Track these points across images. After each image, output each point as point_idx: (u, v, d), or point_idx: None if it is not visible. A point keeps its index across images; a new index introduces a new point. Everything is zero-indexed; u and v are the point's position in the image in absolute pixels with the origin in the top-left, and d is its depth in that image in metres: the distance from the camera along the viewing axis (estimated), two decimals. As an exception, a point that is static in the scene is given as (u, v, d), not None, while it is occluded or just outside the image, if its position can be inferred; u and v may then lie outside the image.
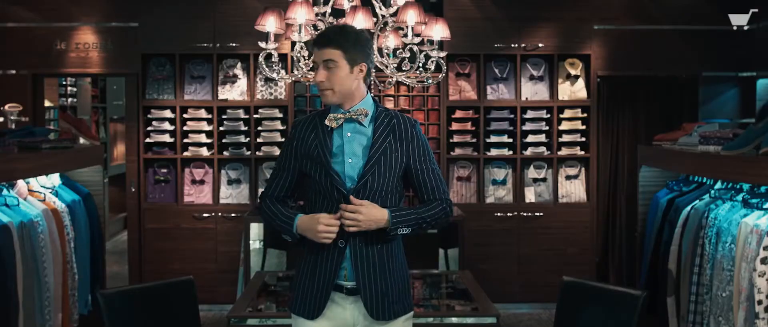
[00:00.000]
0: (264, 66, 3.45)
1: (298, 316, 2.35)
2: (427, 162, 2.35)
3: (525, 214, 5.62)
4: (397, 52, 3.61)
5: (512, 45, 5.61)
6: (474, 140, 5.66)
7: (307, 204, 2.38)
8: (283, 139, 5.60)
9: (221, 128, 5.62)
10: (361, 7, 3.59)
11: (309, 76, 3.58)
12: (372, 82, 3.63)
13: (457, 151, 5.66)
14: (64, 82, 7.52)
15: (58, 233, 3.58)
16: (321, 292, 2.29)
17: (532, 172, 5.68)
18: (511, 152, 5.65)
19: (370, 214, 2.21)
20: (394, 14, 3.59)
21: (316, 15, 3.48)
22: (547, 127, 5.66)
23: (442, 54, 3.67)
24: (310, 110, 5.64)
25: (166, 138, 5.61)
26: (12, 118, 4.07)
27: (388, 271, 2.31)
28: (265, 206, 2.37)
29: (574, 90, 5.67)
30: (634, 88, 5.96)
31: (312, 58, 2.30)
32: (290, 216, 2.30)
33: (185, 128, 5.61)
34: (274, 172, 2.40)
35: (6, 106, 4.10)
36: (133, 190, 5.62)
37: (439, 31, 3.58)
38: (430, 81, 3.76)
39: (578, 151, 5.64)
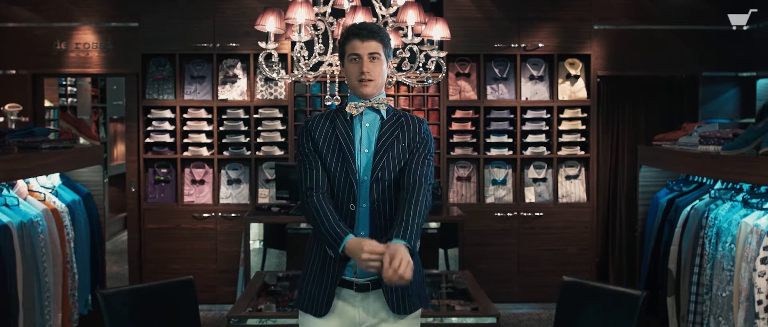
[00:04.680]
0: (264, 66, 3.45)
1: (305, 313, 2.35)
2: (422, 152, 2.35)
3: (525, 214, 5.62)
4: (397, 52, 3.61)
5: (512, 45, 5.61)
6: (474, 140, 5.66)
7: None
8: (283, 139, 5.60)
9: (221, 128, 5.62)
10: (361, 7, 3.59)
11: (309, 76, 3.58)
12: None
13: (457, 151, 5.66)
14: (64, 82, 7.51)
15: (58, 233, 3.58)
16: (330, 288, 2.29)
17: (532, 172, 5.68)
18: (511, 152, 5.65)
19: (400, 255, 2.09)
20: (394, 14, 3.59)
21: (316, 15, 3.47)
22: (547, 127, 5.66)
23: (442, 54, 3.67)
24: (310, 110, 5.64)
25: (166, 138, 5.61)
26: (12, 118, 4.07)
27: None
28: (317, 203, 2.25)
29: (574, 90, 5.67)
30: (634, 88, 5.97)
31: (347, 49, 2.31)
32: (340, 233, 2.20)
33: (185, 128, 5.61)
34: (305, 167, 2.33)
35: (6, 106, 4.10)
36: (133, 190, 5.62)
37: (439, 31, 3.57)
38: (430, 81, 3.76)
39: (578, 151, 5.64)
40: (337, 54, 3.56)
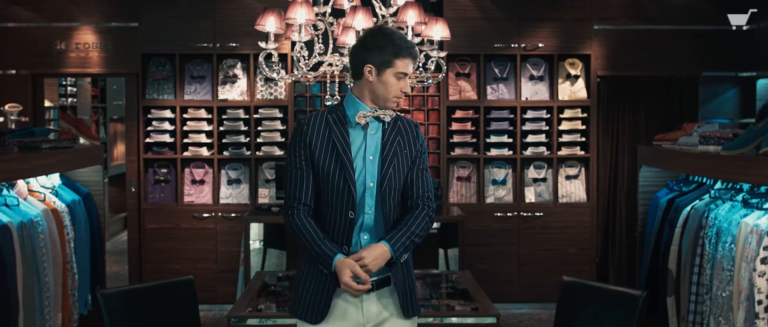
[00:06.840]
0: (264, 66, 3.45)
1: (302, 320, 2.32)
2: (421, 162, 2.39)
3: (525, 214, 5.62)
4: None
5: (512, 45, 5.61)
6: (474, 140, 5.66)
7: (318, 204, 2.32)
8: (283, 139, 5.60)
9: (221, 128, 5.62)
10: (361, 7, 3.59)
11: (309, 76, 3.58)
12: None
13: (457, 151, 5.65)
14: (64, 82, 7.51)
15: (58, 233, 3.58)
16: (327, 294, 2.27)
17: (532, 172, 5.68)
18: (511, 152, 5.64)
19: (374, 255, 2.22)
20: (394, 14, 3.58)
21: (316, 15, 3.47)
22: (547, 127, 5.66)
23: (442, 54, 3.67)
24: (310, 110, 5.64)
25: (166, 138, 5.61)
26: (12, 118, 4.07)
27: (411, 269, 2.39)
28: (299, 221, 2.27)
29: (574, 90, 5.67)
30: (634, 88, 5.97)
31: (399, 65, 2.29)
32: (328, 254, 2.23)
33: (185, 128, 5.61)
34: (293, 176, 2.31)
35: (6, 106, 4.10)
36: (133, 190, 5.62)
37: (439, 31, 3.57)
38: (430, 81, 3.76)
39: (578, 151, 5.64)
40: (337, 54, 3.56)
